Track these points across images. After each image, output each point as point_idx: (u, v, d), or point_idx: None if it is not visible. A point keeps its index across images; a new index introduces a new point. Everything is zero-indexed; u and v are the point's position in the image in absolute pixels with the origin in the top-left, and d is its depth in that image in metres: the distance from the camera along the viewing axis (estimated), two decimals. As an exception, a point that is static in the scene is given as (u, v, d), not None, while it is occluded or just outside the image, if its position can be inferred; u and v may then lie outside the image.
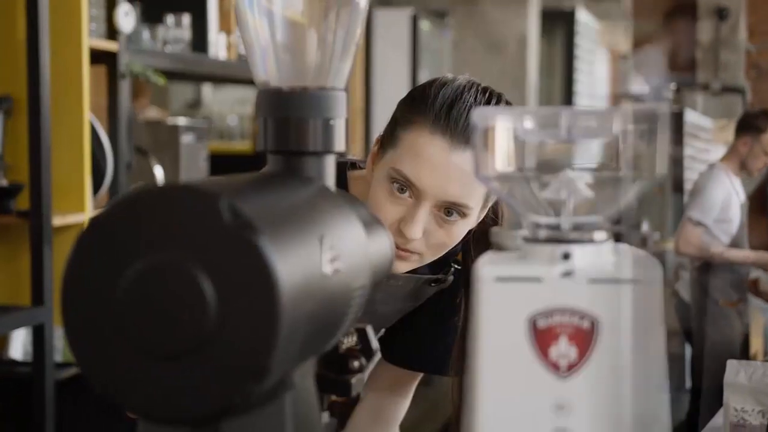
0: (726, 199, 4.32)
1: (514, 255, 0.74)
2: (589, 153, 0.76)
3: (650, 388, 0.68)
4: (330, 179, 0.84)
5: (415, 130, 1.23)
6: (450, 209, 1.24)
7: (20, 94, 2.46)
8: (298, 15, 0.86)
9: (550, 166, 0.75)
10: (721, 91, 9.19)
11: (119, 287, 0.63)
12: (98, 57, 2.68)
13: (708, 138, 8.01)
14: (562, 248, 0.70)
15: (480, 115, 0.73)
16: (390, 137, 1.27)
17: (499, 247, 0.82)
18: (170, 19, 3.10)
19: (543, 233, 0.72)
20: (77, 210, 2.55)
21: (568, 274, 0.69)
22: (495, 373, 0.70)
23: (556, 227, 0.73)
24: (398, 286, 1.39)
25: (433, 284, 1.42)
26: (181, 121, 3.24)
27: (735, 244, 4.38)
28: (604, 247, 0.71)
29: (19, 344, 2.71)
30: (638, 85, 9.93)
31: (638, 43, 10.11)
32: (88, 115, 2.54)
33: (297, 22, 0.85)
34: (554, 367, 0.69)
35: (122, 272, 0.64)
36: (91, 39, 2.60)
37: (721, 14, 9.62)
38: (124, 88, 2.71)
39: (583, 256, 0.70)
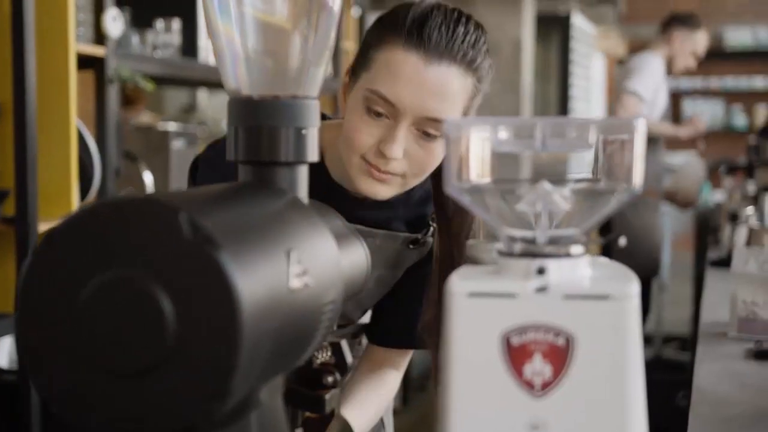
0: (658, 83, 4.42)
1: (488, 269, 0.72)
2: (568, 164, 0.74)
3: (627, 406, 0.66)
4: (302, 190, 0.82)
5: (388, 48, 1.23)
6: (428, 129, 1.23)
7: (6, 99, 2.44)
8: (270, 21, 0.83)
9: (525, 178, 0.73)
10: (596, 1, 9.30)
11: (76, 303, 0.61)
12: (86, 62, 2.65)
13: (590, 44, 8.17)
14: (537, 263, 0.68)
15: (453, 125, 0.70)
16: (362, 61, 1.27)
17: (475, 261, 0.80)
18: (160, 23, 3.07)
19: (518, 247, 0.70)
20: (64, 216, 2.52)
21: (542, 289, 0.67)
22: (468, 391, 0.68)
23: (532, 241, 0.71)
24: (377, 247, 1.37)
25: (412, 246, 1.41)
26: (172, 126, 3.22)
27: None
28: (580, 261, 0.69)
29: (5, 352, 2.69)
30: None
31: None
32: (75, 120, 2.52)
33: (268, 29, 0.83)
34: (528, 385, 0.67)
35: (79, 287, 0.61)
36: (78, 44, 2.57)
37: None
38: (112, 93, 2.69)
39: (558, 271, 0.68)
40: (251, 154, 0.81)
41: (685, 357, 5.00)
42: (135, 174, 2.96)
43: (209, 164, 1.37)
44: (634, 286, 0.66)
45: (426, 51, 1.21)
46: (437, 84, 1.21)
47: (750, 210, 3.13)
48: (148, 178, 2.99)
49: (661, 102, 4.49)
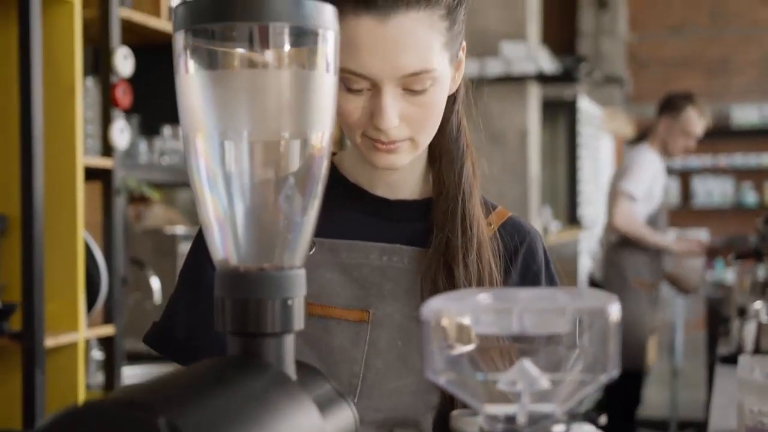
0: (654, 176, 4.44)
1: (470, 449, 0.72)
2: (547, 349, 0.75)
3: None
4: (289, 359, 0.83)
5: (341, 22, 1.14)
6: (413, 86, 1.14)
7: (14, 212, 2.47)
8: (257, 194, 0.85)
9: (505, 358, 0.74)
10: (603, 81, 9.35)
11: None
12: (93, 174, 2.69)
13: (598, 125, 8.21)
14: (517, 447, 0.68)
15: (430, 309, 0.72)
16: None
17: (458, 436, 0.80)
18: (167, 130, 3.12)
19: (499, 427, 0.71)
20: (71, 329, 2.53)
21: (522, 475, 0.67)
22: None
23: (512, 419, 0.71)
24: (402, 269, 1.23)
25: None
26: (180, 230, 3.25)
27: (652, 222, 4.52)
28: (561, 443, 0.69)
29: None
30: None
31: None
32: (82, 234, 2.55)
33: (256, 201, 0.85)
34: None
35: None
36: (86, 157, 2.61)
37: (601, 3, 9.75)
38: (119, 203, 2.72)
39: (539, 455, 0.68)
40: (238, 326, 0.82)
41: (701, 444, 4.94)
42: (142, 280, 2.98)
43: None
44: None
45: (376, 8, 1.12)
46: (400, 38, 1.12)
47: (758, 304, 3.12)
48: (155, 284, 3.00)
49: (657, 193, 4.52)
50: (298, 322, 0.83)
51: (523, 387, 0.72)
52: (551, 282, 1.31)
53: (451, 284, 1.20)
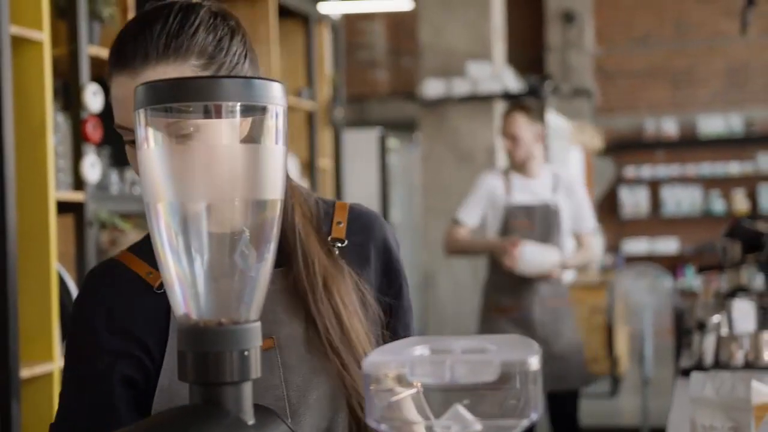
0: (488, 202, 4.21)
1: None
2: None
3: None
4: (247, 405, 0.91)
5: (110, 81, 1.21)
6: (180, 132, 1.09)
7: (-12, 247, 2.53)
8: (215, 255, 0.92)
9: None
10: (571, 94, 9.45)
11: None
12: (65, 207, 2.75)
13: (567, 138, 8.29)
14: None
15: (371, 362, 0.79)
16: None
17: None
18: (137, 161, 3.19)
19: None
20: (46, 360, 2.59)
21: None
22: None
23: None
24: (277, 290, 1.27)
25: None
26: (151, 257, 3.30)
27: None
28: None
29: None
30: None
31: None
32: (55, 266, 2.61)
33: (215, 261, 0.92)
34: None
35: None
36: (58, 191, 2.68)
37: (567, 18, 9.89)
38: (91, 235, 2.78)
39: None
40: (199, 377, 0.90)
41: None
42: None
43: (90, 293, 1.29)
44: None
45: (128, 66, 1.18)
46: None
47: (716, 318, 3.20)
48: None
49: (496, 218, 4.22)
50: (255, 370, 0.91)
51: (457, 430, 0.80)
52: (400, 270, 1.37)
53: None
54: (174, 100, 0.88)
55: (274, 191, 0.90)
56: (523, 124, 4.07)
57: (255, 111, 0.90)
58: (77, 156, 2.78)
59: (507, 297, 4.17)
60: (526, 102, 4.27)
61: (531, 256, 4.01)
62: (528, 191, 4.16)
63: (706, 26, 10.36)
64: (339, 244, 1.31)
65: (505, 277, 4.11)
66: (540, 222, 4.14)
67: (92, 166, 2.78)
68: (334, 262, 1.28)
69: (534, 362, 0.77)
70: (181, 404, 1.20)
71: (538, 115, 4.18)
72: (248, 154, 0.90)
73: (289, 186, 1.30)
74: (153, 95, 0.88)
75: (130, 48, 1.18)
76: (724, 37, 10.16)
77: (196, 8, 1.21)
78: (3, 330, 2.46)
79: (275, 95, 0.90)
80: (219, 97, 0.88)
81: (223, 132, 0.89)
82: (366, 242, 1.34)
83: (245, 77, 0.89)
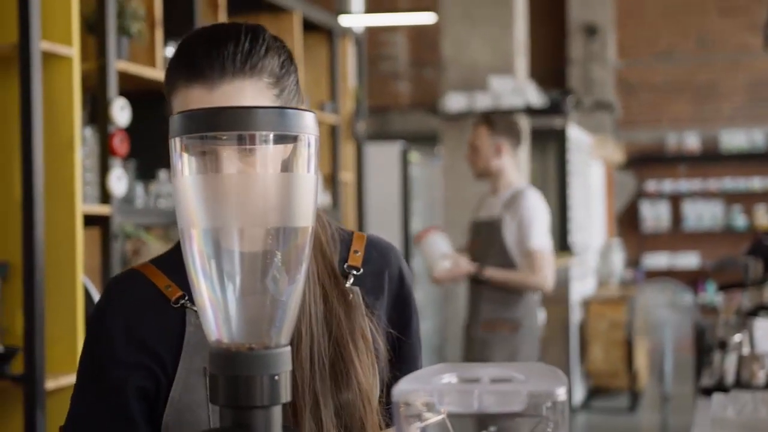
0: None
1: None
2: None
3: None
4: (276, 428, 0.92)
5: (176, 92, 1.22)
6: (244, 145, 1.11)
7: (16, 259, 2.56)
8: (247, 284, 0.94)
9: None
10: (593, 107, 9.39)
11: None
12: (92, 220, 2.79)
13: (588, 152, 8.24)
14: None
15: (400, 390, 0.81)
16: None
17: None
18: (163, 174, 3.22)
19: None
20: (71, 371, 2.62)
21: None
22: None
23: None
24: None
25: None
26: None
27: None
28: None
29: None
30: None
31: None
32: (81, 279, 2.64)
33: (246, 290, 0.94)
34: None
35: None
36: (84, 204, 2.71)
37: (590, 31, 9.86)
38: (117, 248, 2.81)
39: None
40: (230, 400, 0.91)
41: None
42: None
43: (110, 302, 1.30)
44: None
45: (204, 78, 1.19)
46: (227, 103, 1.19)
47: (738, 337, 3.19)
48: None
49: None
50: (285, 394, 0.92)
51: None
52: (411, 303, 1.38)
53: None
54: (209, 129, 0.90)
55: (305, 219, 0.92)
56: (483, 136, 4.04)
57: (288, 140, 0.92)
58: (104, 169, 2.82)
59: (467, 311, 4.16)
60: (494, 117, 4.18)
61: (428, 243, 3.99)
62: (487, 208, 4.12)
63: (730, 41, 10.34)
64: (354, 272, 1.32)
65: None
66: (484, 237, 4.07)
67: (119, 180, 2.81)
68: (340, 289, 1.30)
69: (561, 393, 0.78)
70: (191, 417, 1.23)
71: (506, 131, 4.08)
72: (281, 183, 0.92)
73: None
74: (189, 124, 0.90)
75: (205, 61, 1.19)
76: (748, 51, 10.13)
77: (261, 30, 1.25)
78: (29, 341, 2.49)
79: (308, 124, 0.92)
80: (253, 127, 0.90)
81: (257, 161, 0.91)
82: (381, 272, 1.36)
83: (278, 107, 0.91)
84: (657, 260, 10.45)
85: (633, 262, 10.20)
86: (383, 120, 9.86)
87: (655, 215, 10.53)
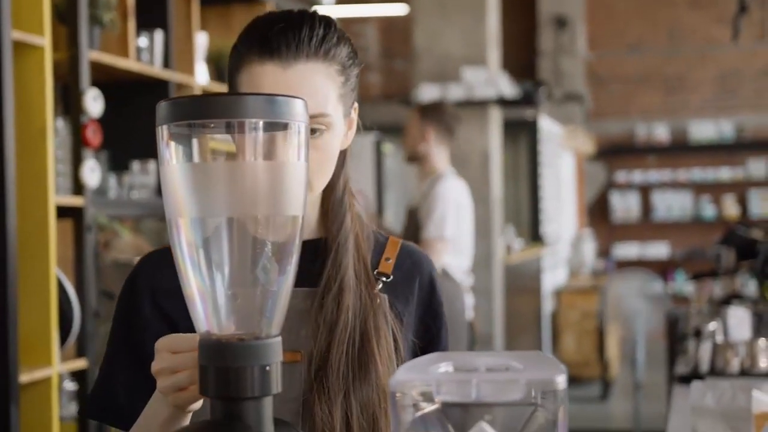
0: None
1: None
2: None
3: None
4: (267, 419, 0.91)
5: (246, 68, 1.23)
6: (310, 125, 1.12)
7: (-12, 252, 2.52)
8: (235, 267, 0.93)
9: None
10: (563, 99, 9.45)
11: None
12: (65, 211, 2.75)
13: (559, 143, 8.29)
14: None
15: (397, 380, 0.80)
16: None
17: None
18: (136, 165, 3.19)
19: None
20: (45, 364, 2.59)
21: None
22: None
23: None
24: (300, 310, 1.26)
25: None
26: (149, 261, 3.29)
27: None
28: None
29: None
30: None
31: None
32: (54, 271, 2.60)
33: (235, 275, 0.93)
34: None
35: None
36: (57, 196, 2.67)
37: (560, 23, 9.91)
38: (90, 239, 2.78)
39: None
40: (220, 392, 0.90)
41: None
42: (113, 312, 3.03)
43: (142, 274, 1.33)
44: None
45: (279, 56, 1.21)
46: (300, 83, 1.21)
47: (713, 326, 3.21)
48: (126, 316, 3.04)
49: None
50: (276, 385, 0.91)
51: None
52: (441, 314, 1.39)
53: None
54: (197, 116, 0.88)
55: (296, 207, 0.91)
56: (412, 120, 4.14)
57: (277, 127, 0.90)
58: (77, 161, 2.78)
59: None
60: (429, 105, 4.27)
61: None
62: (417, 196, 4.21)
63: (699, 33, 10.40)
64: (384, 279, 1.33)
65: None
66: (408, 225, 4.13)
67: (92, 171, 2.78)
68: (370, 295, 1.29)
69: (561, 381, 0.78)
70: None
71: (435, 120, 4.10)
72: (270, 171, 0.91)
73: (353, 214, 1.32)
74: (176, 112, 0.89)
75: (282, 40, 1.21)
76: (716, 44, 10.20)
77: (333, 20, 1.28)
78: (2, 334, 2.46)
79: (297, 112, 0.91)
80: (241, 114, 0.88)
81: (245, 148, 0.89)
82: (411, 281, 1.36)
83: (267, 94, 0.89)
84: (627, 250, 10.51)
85: (603, 252, 10.26)
86: (355, 111, 9.78)
87: (625, 206, 10.58)
